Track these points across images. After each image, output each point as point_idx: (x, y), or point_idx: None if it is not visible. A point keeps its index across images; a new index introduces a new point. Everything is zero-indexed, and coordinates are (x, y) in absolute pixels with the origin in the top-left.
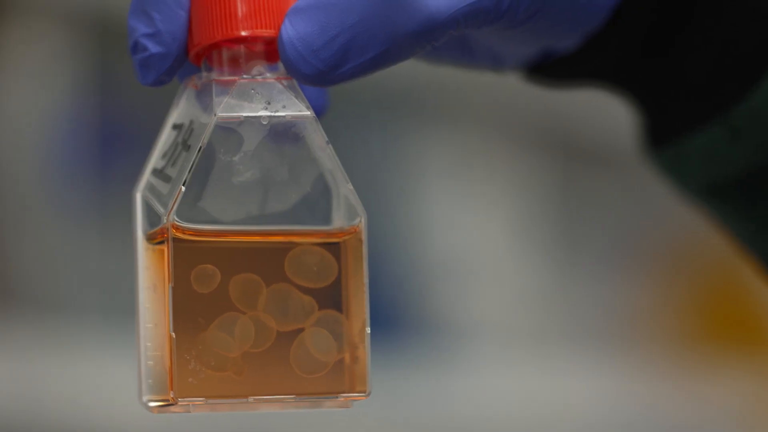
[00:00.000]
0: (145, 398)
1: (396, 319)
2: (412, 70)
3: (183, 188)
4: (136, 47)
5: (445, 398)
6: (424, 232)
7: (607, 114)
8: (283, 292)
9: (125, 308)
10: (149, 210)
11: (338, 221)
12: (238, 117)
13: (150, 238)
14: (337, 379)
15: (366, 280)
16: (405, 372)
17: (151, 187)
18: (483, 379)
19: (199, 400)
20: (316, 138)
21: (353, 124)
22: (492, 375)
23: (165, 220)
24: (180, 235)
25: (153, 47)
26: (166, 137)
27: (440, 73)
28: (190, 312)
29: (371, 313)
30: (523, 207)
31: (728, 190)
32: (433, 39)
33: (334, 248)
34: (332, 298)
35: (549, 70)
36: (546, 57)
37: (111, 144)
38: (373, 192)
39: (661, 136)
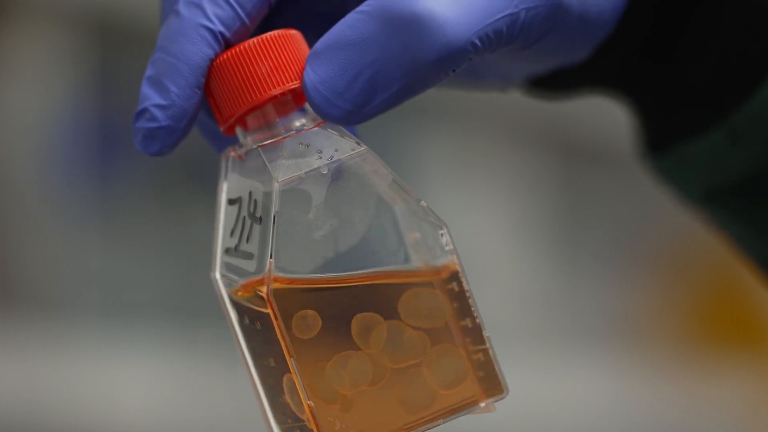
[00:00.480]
0: None
1: None
2: None
3: (272, 261)
4: (143, 115)
5: None
6: None
7: (608, 115)
8: (398, 330)
9: (125, 308)
10: (234, 287)
11: (413, 242)
12: (299, 175)
13: (251, 329)
14: (469, 389)
15: (468, 287)
16: None
17: (229, 267)
18: None
19: None
20: (377, 167)
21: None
22: None
23: (267, 298)
24: (280, 285)
25: (164, 120)
26: (225, 214)
27: None
28: (318, 374)
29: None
30: (524, 207)
31: (728, 196)
32: (454, 65)
33: (437, 285)
34: (444, 329)
35: (553, 81)
36: (554, 71)
37: (111, 144)
38: None
39: (661, 141)
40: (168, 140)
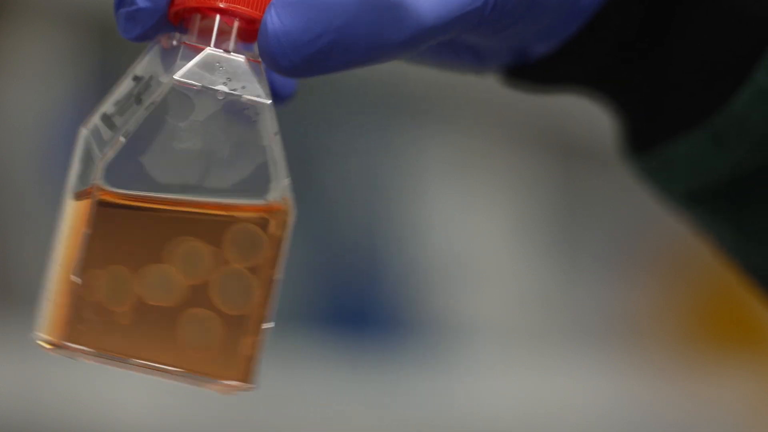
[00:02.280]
0: (37, 334)
1: (396, 319)
2: (411, 69)
3: (123, 140)
4: (123, 2)
5: (445, 398)
6: (424, 232)
7: (607, 114)
8: (196, 247)
9: None
10: (88, 153)
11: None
12: (195, 85)
13: (79, 195)
14: (232, 365)
15: (278, 275)
16: (405, 372)
17: (95, 130)
18: (483, 379)
19: (85, 349)
20: (267, 126)
21: (353, 124)
22: (492, 375)
23: (95, 173)
24: (105, 197)
25: (141, 1)
26: (124, 86)
27: (439, 73)
28: (97, 262)
29: (375, 313)
30: (523, 207)
31: (711, 197)
32: (418, 47)
33: (260, 222)
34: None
35: (530, 74)
36: (527, 59)
37: None
38: (373, 192)
39: (643, 142)
40: (149, 22)
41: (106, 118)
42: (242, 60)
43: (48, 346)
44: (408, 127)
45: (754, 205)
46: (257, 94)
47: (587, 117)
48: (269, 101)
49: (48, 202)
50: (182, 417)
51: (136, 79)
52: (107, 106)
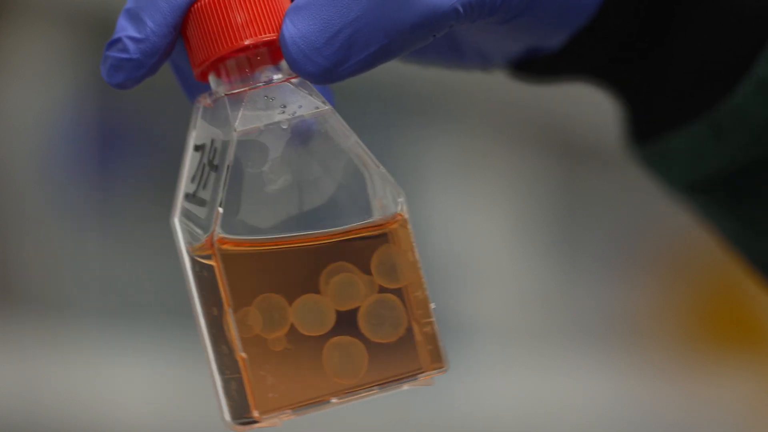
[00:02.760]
0: (228, 418)
1: None
2: (411, 69)
3: (221, 210)
4: (116, 45)
5: (444, 398)
6: (424, 232)
7: (607, 114)
8: (343, 275)
9: (125, 308)
10: (190, 236)
11: (379, 208)
12: (258, 127)
13: (197, 254)
14: (413, 360)
15: (418, 257)
16: None
17: (187, 213)
18: (483, 379)
19: (284, 413)
20: (339, 129)
21: (353, 124)
22: (492, 375)
23: (211, 247)
24: (228, 247)
25: (135, 53)
26: (190, 160)
27: (440, 73)
28: (252, 330)
29: None
30: (523, 207)
31: (712, 188)
32: (435, 30)
33: (382, 239)
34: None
35: (535, 66)
36: (533, 54)
37: (111, 144)
38: None
39: (645, 132)
40: (134, 73)
41: (191, 197)
42: (285, 83)
43: (243, 426)
44: (408, 128)
45: (753, 196)
46: (315, 106)
47: (587, 117)
48: (329, 106)
49: (48, 202)
50: (182, 417)
51: (198, 148)
52: (185, 186)
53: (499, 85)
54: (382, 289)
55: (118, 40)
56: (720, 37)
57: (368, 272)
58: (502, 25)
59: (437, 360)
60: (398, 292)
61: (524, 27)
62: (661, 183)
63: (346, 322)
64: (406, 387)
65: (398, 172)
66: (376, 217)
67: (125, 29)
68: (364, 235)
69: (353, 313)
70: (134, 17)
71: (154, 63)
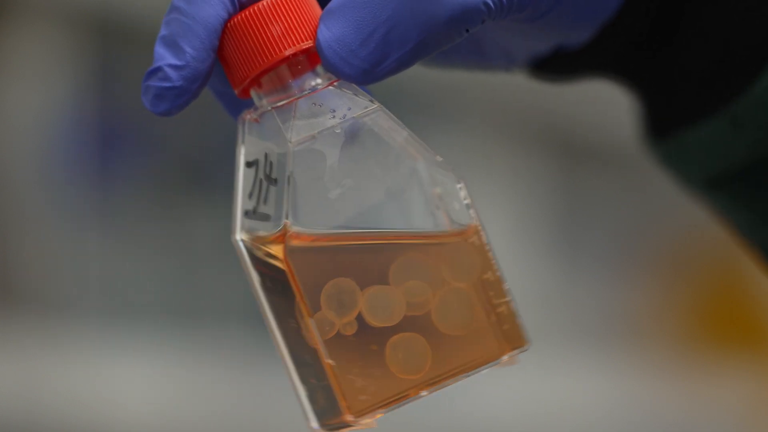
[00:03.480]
0: (316, 425)
1: None
2: (412, 68)
3: (288, 221)
4: (156, 74)
5: (444, 398)
6: None
7: (607, 114)
8: (413, 264)
9: (125, 308)
10: (253, 254)
11: (436, 198)
12: (312, 135)
13: (274, 291)
14: (492, 342)
15: (486, 240)
16: None
17: (249, 230)
18: (482, 378)
19: (378, 413)
20: (390, 126)
21: None
22: (492, 375)
23: (279, 234)
24: (298, 243)
25: (177, 80)
26: (244, 177)
27: (440, 73)
28: (337, 334)
29: None
30: (523, 207)
31: (729, 182)
32: (468, 24)
33: (451, 243)
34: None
35: (556, 64)
36: (556, 52)
37: (111, 144)
38: None
39: (663, 127)
40: (178, 101)
41: (252, 214)
42: (330, 87)
43: (338, 429)
44: (408, 127)
45: None
46: (364, 106)
47: (587, 117)
48: (377, 104)
49: (48, 202)
50: (182, 417)
51: (251, 164)
52: (243, 204)
53: (499, 85)
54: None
55: (159, 69)
56: (738, 29)
57: (437, 267)
58: (530, 23)
59: (517, 338)
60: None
61: (551, 24)
62: (678, 178)
63: (418, 315)
64: (497, 367)
65: None
66: (435, 210)
67: (164, 58)
68: (434, 242)
69: (424, 305)
70: (171, 44)
71: (196, 88)
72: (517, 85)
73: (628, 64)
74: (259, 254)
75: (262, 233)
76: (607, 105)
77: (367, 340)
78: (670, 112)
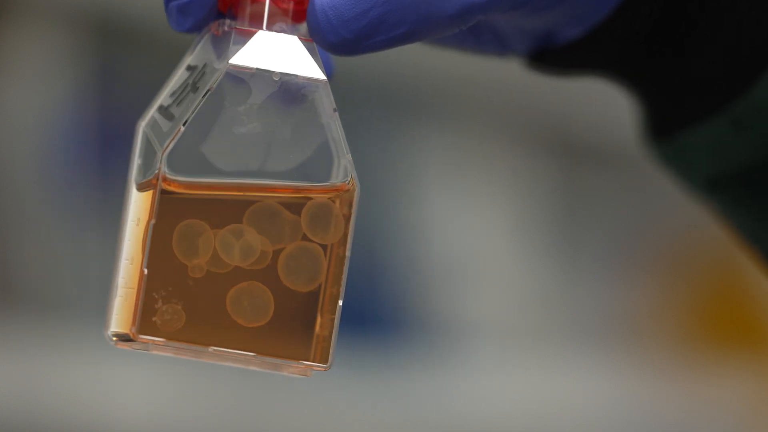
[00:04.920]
0: (109, 331)
1: (396, 319)
2: (412, 68)
3: (182, 128)
4: None
5: (445, 398)
6: (424, 232)
7: (608, 113)
8: (271, 211)
9: None
10: (148, 146)
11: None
12: (250, 68)
13: (142, 187)
14: (303, 346)
15: (348, 252)
16: (405, 372)
17: (154, 123)
18: (483, 379)
19: (159, 340)
20: (325, 103)
21: (352, 123)
22: (492, 375)
23: (158, 163)
24: (169, 187)
25: None
26: (178, 77)
27: (440, 73)
28: (167, 252)
29: (372, 312)
30: (523, 207)
31: (731, 184)
32: (465, 22)
33: (322, 197)
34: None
35: (553, 58)
36: (552, 43)
37: (111, 144)
38: (373, 192)
39: (664, 128)
40: (200, 13)
41: (164, 110)
42: (295, 39)
43: (120, 341)
44: (408, 127)
45: None
46: (312, 72)
47: (587, 117)
48: (325, 78)
49: (48, 202)
50: (182, 417)
51: (190, 68)
52: (163, 98)
53: (499, 85)
54: (306, 239)
55: None
56: (741, 30)
57: (297, 215)
58: (527, 17)
59: (324, 356)
60: (323, 249)
61: (548, 18)
62: (679, 180)
63: (267, 263)
64: (285, 371)
65: (398, 172)
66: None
67: None
68: (307, 195)
69: (276, 254)
70: None
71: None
72: (517, 85)
73: (628, 64)
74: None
75: (159, 133)
76: (607, 105)
77: (203, 283)
78: (671, 113)
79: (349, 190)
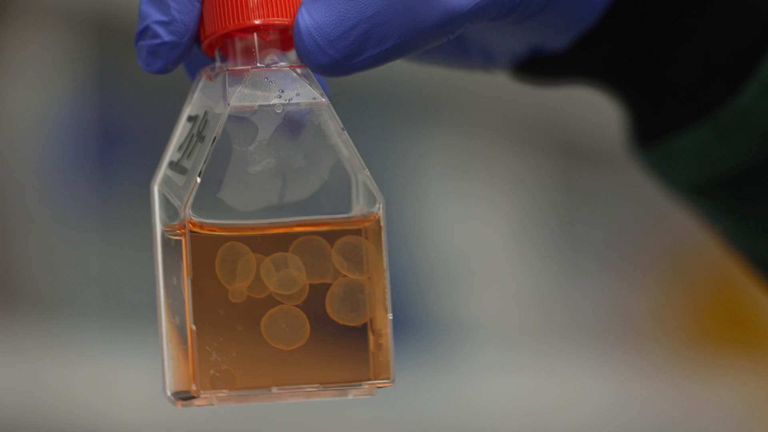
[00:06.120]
0: (169, 392)
1: (396, 319)
2: (412, 69)
3: (198, 180)
4: (146, 33)
5: (445, 398)
6: (424, 232)
7: (607, 114)
8: (313, 245)
9: (125, 308)
10: (167, 203)
11: (357, 208)
12: (252, 106)
13: (168, 232)
14: (362, 367)
15: (387, 266)
16: (405, 372)
17: (167, 180)
18: (483, 379)
19: (222, 392)
20: (332, 124)
21: (353, 124)
22: (492, 375)
23: (182, 214)
24: (197, 230)
25: (166, 35)
26: (181, 129)
27: (440, 73)
28: (211, 303)
29: None
30: (523, 207)
31: (715, 189)
32: (451, 32)
33: (355, 232)
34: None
35: (538, 67)
36: (537, 54)
37: (111, 144)
38: None
39: (649, 134)
40: (171, 55)
41: (175, 165)
42: (288, 69)
43: (182, 400)
44: (408, 128)
45: (757, 197)
46: (313, 97)
47: (587, 117)
48: (326, 100)
49: (48, 202)
50: (182, 417)
51: (191, 119)
52: (171, 153)
53: (499, 85)
54: (343, 275)
55: (146, 28)
56: (724, 37)
57: (330, 252)
58: (515, 25)
59: (385, 372)
60: (362, 284)
61: (535, 26)
62: (664, 185)
63: (314, 295)
64: (351, 395)
65: (398, 172)
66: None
67: (150, 15)
68: (337, 228)
69: (322, 288)
70: (155, 2)
71: (187, 40)
72: (517, 86)
73: (613, 71)
74: (168, 223)
75: (175, 189)
76: (607, 105)
77: (243, 315)
78: (656, 119)
79: (376, 220)
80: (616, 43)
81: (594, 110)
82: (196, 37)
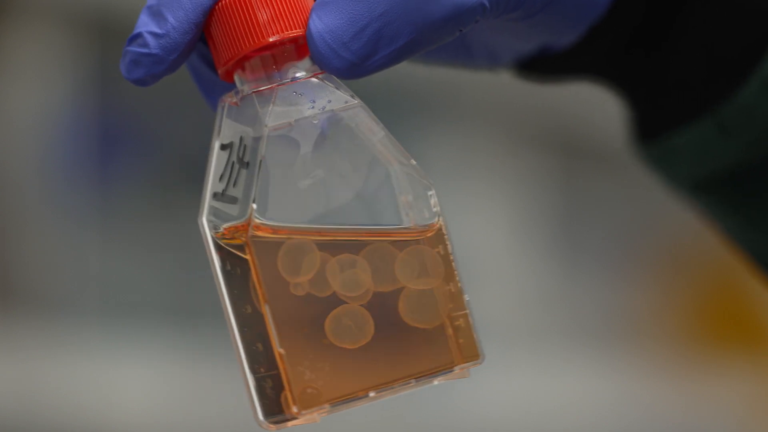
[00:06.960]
0: (261, 418)
1: None
2: (412, 69)
3: (254, 206)
4: (136, 40)
5: (445, 398)
6: None
7: (608, 114)
8: (382, 252)
9: (125, 308)
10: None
11: (405, 205)
12: (289, 122)
13: (235, 273)
14: (445, 353)
15: (453, 250)
16: None
17: (216, 212)
18: (483, 379)
19: (323, 408)
20: (368, 123)
21: None
22: (492, 375)
23: (246, 243)
24: (263, 234)
25: (154, 47)
26: (216, 160)
27: (441, 72)
28: (294, 325)
29: None
30: (524, 207)
31: (716, 186)
32: (462, 24)
33: (414, 243)
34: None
35: (541, 65)
36: (542, 53)
37: (111, 144)
38: None
39: (650, 130)
40: (154, 69)
41: (221, 196)
42: (313, 78)
43: (278, 423)
44: (409, 128)
45: (758, 194)
46: (344, 101)
47: (587, 117)
48: (357, 101)
49: (48, 202)
50: (182, 417)
51: (225, 147)
52: (213, 186)
53: (499, 85)
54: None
55: (139, 35)
56: (726, 34)
57: (402, 263)
58: (520, 22)
59: (471, 352)
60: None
61: (541, 24)
62: (665, 182)
63: (383, 300)
64: (440, 380)
65: None
66: (404, 215)
67: (146, 25)
68: (396, 238)
69: (394, 294)
70: (156, 13)
71: (174, 60)
72: (518, 85)
73: (615, 67)
74: (222, 238)
75: (227, 218)
76: (607, 105)
77: (307, 316)
78: (658, 116)
79: (437, 228)
80: (620, 39)
81: (594, 110)
82: (210, 66)
